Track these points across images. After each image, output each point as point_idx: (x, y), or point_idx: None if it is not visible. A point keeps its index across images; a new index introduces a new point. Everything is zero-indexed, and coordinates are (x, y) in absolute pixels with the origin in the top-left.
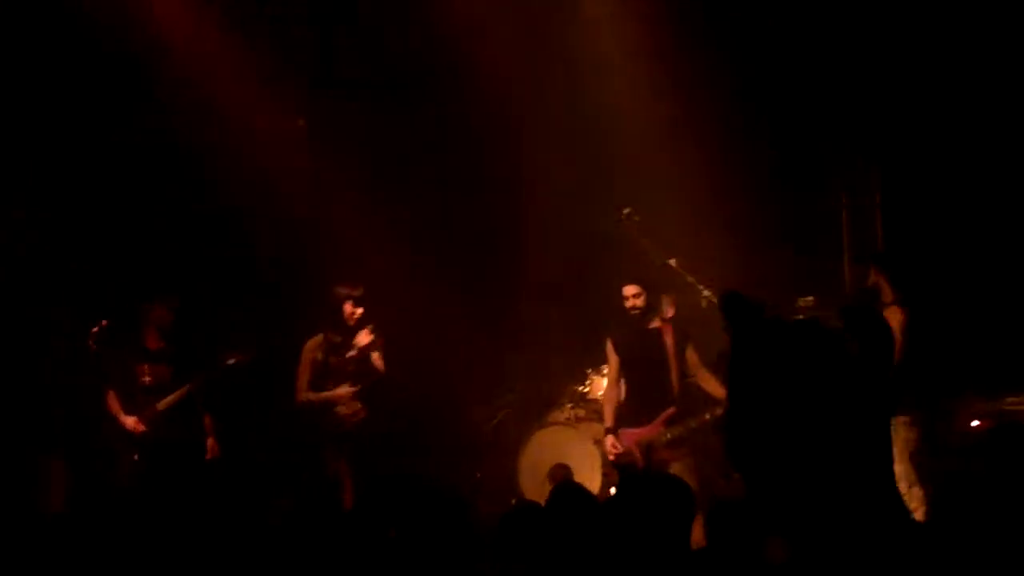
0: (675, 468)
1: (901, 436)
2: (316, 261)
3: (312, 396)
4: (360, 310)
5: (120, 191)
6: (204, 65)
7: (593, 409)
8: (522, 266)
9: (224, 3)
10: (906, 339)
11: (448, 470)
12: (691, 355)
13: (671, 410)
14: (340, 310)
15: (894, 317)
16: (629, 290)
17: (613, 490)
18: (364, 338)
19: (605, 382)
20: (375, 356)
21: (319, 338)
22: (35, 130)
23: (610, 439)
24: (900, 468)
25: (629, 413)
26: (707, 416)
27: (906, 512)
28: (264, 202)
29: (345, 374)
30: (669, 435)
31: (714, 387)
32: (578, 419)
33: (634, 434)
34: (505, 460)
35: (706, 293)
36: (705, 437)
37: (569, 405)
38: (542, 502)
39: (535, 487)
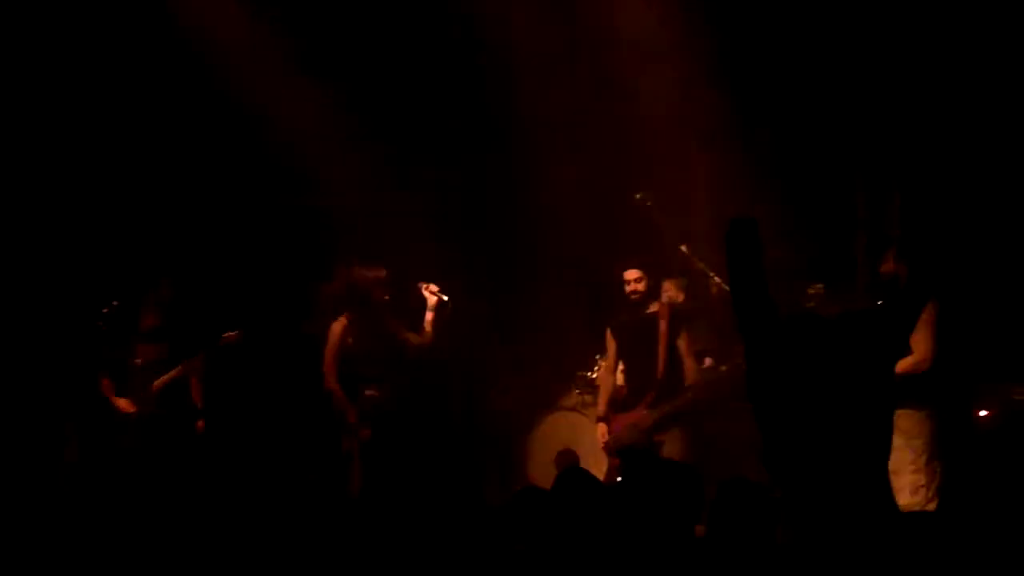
0: (666, 450)
1: (926, 428)
2: (324, 244)
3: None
4: (388, 294)
5: (116, 168)
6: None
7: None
8: (536, 251)
9: None
10: (935, 333)
11: (459, 454)
12: (681, 342)
13: (651, 393)
14: (368, 293)
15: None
16: (630, 274)
17: (619, 477)
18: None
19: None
20: (430, 318)
21: (343, 321)
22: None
23: (601, 426)
24: (919, 460)
25: (628, 398)
26: (689, 396)
27: (892, 503)
28: (276, 183)
29: (375, 360)
30: (653, 417)
31: (691, 375)
32: (585, 405)
33: (623, 419)
34: (513, 444)
35: (716, 280)
36: (695, 418)
37: (577, 391)
38: (549, 486)
39: (542, 472)
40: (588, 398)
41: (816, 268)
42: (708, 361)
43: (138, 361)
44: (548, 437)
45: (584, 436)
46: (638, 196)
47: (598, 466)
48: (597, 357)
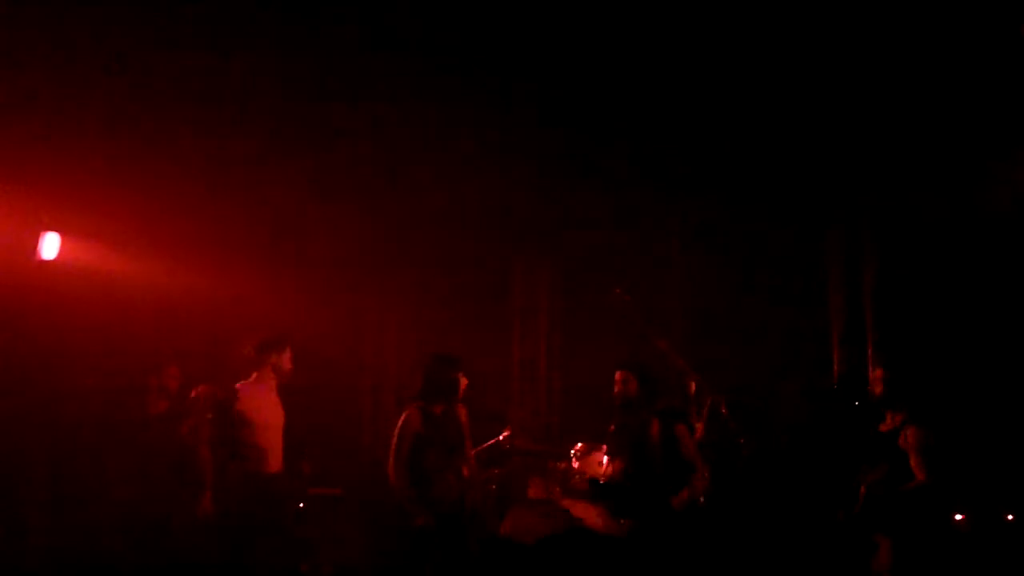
0: None
1: None
2: None
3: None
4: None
5: None
6: None
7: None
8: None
9: None
10: (926, 457)
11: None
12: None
13: None
14: (450, 381)
15: (911, 435)
16: (617, 375)
17: None
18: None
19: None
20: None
21: (415, 409)
22: None
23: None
24: None
25: None
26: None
27: None
28: None
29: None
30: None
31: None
32: (556, 496)
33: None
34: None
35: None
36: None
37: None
38: None
39: None
40: (557, 488)
41: (791, 365)
42: None
43: None
44: (519, 529)
45: (555, 528)
46: (616, 291)
47: None
48: (579, 445)
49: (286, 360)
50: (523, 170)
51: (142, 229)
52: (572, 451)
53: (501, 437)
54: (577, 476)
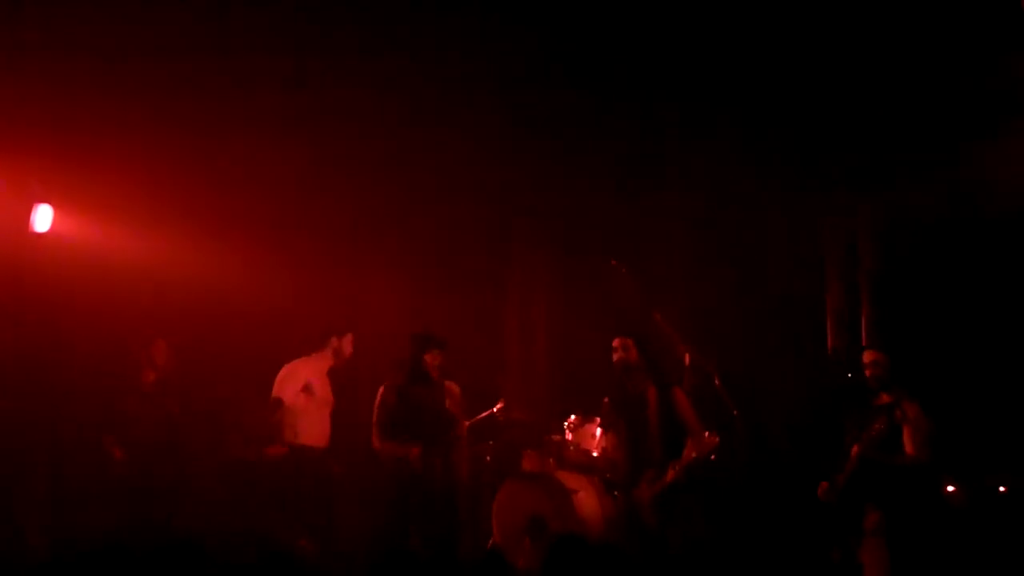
0: None
1: None
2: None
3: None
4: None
5: None
6: None
7: (566, 459)
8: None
9: None
10: (919, 432)
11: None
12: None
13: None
14: (417, 360)
15: (909, 409)
16: (615, 342)
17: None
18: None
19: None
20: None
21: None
22: None
23: None
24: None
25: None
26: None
27: None
28: None
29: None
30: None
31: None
32: (550, 468)
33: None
34: (482, 506)
35: (688, 349)
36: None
37: (544, 454)
38: (515, 549)
39: (508, 534)
40: (552, 461)
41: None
42: None
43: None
44: (512, 501)
45: (551, 501)
46: (613, 263)
47: (566, 529)
48: (572, 417)
49: (347, 344)
50: (521, 145)
51: (136, 201)
52: (566, 424)
53: (495, 409)
54: (571, 448)
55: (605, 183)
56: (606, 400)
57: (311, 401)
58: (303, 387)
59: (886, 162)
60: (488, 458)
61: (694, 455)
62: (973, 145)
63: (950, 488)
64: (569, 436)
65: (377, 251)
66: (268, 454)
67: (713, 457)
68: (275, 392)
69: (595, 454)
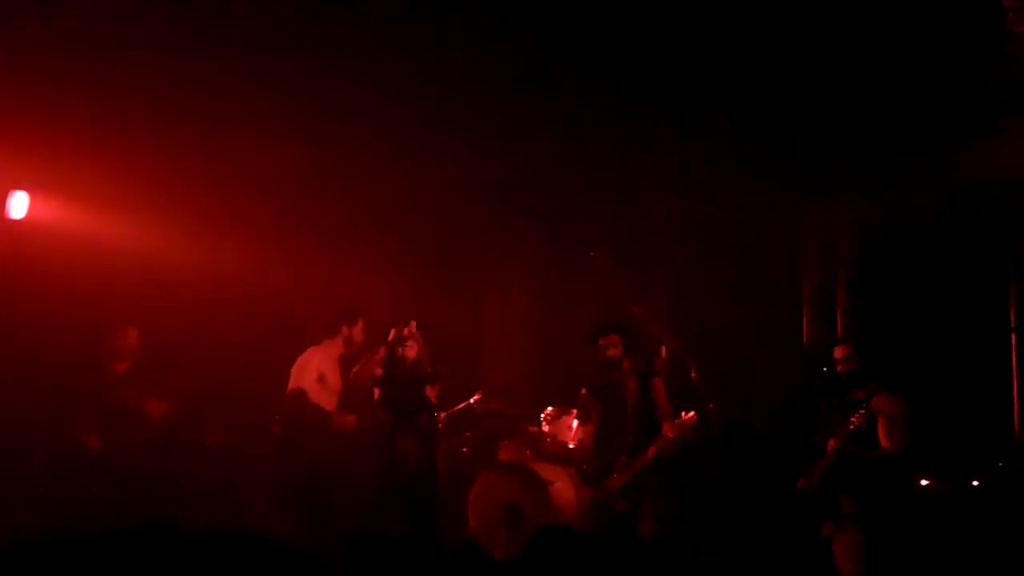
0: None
1: None
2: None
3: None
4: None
5: None
6: None
7: (543, 450)
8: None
9: None
10: (893, 425)
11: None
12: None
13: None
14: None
15: (883, 403)
16: (608, 340)
17: None
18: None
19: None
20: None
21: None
22: None
23: None
24: None
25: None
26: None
27: None
28: None
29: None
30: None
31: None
32: (526, 459)
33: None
34: (457, 496)
35: (667, 340)
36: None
37: (521, 445)
38: (492, 540)
39: (484, 525)
40: (528, 452)
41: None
42: None
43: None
44: (491, 493)
45: (527, 492)
46: (592, 253)
47: (542, 520)
48: (549, 410)
49: (358, 332)
50: (520, 145)
51: (115, 187)
52: (542, 415)
53: (472, 400)
54: (548, 440)
55: (605, 183)
56: (583, 391)
57: (325, 390)
58: (318, 377)
59: (863, 156)
60: (465, 449)
61: (673, 435)
62: (950, 141)
63: (924, 482)
64: (546, 428)
65: (377, 251)
66: (339, 423)
67: (691, 436)
68: (293, 383)
69: (571, 445)
